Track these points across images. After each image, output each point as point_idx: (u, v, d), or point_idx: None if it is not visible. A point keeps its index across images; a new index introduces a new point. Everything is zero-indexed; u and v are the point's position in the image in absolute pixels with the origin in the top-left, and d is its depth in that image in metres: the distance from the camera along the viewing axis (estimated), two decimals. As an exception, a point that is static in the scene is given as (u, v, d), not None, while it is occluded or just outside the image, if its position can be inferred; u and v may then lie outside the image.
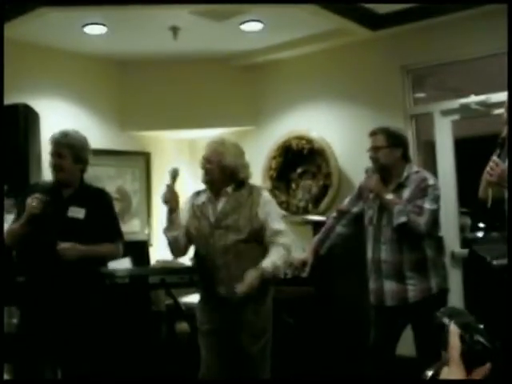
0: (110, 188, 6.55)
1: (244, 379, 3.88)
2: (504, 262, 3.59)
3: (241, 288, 3.71)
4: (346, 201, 4.48)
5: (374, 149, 4.14)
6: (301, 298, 5.27)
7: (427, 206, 3.98)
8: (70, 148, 3.89)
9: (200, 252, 3.96)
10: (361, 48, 5.99)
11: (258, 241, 3.87)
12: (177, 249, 4.01)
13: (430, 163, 5.77)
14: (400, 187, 4.10)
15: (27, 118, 5.13)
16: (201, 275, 4.03)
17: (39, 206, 3.71)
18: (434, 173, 5.63)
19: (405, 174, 4.11)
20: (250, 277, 3.71)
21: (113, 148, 6.60)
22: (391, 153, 4.10)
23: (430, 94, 6.49)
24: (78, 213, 3.88)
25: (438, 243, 4.16)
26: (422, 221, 3.95)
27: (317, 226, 5.25)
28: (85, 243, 3.80)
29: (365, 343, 4.33)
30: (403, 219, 3.93)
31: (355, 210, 4.35)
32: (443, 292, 4.11)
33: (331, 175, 6.15)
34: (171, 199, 3.86)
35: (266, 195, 4.06)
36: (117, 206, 6.49)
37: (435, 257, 4.09)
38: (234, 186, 3.95)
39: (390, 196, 4.03)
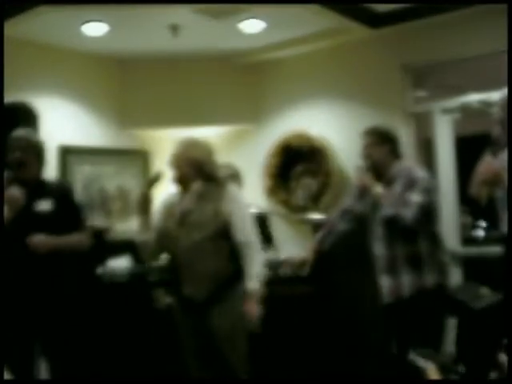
0: (110, 186, 6.55)
1: (244, 379, 3.87)
2: (484, 304, 3.61)
3: (251, 325, 3.73)
4: (349, 199, 4.52)
5: (365, 146, 4.28)
6: (300, 297, 5.26)
7: (414, 198, 4.03)
8: (33, 146, 4.01)
9: (168, 251, 3.98)
10: (361, 47, 5.97)
11: (224, 237, 3.82)
12: (146, 253, 4.06)
13: (431, 162, 5.76)
14: (390, 182, 4.19)
15: (26, 117, 5.14)
16: (171, 275, 4.02)
17: (22, 197, 3.74)
18: (435, 171, 5.63)
19: (394, 169, 4.22)
20: (252, 309, 3.71)
21: (112, 146, 6.58)
22: (380, 149, 4.23)
23: (430, 93, 6.47)
24: (45, 205, 3.92)
25: (433, 237, 4.17)
26: (408, 213, 3.99)
27: (316, 224, 5.25)
28: (54, 235, 3.87)
29: (365, 342, 4.33)
30: (390, 212, 3.97)
31: (357, 207, 4.38)
32: (440, 287, 4.11)
33: (331, 174, 6.13)
34: (141, 201, 3.94)
35: (233, 190, 4.02)
36: (116, 205, 6.57)
37: (430, 251, 4.10)
38: (201, 183, 3.92)
39: (379, 190, 4.07)
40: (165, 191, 4.13)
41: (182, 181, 3.93)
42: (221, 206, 3.82)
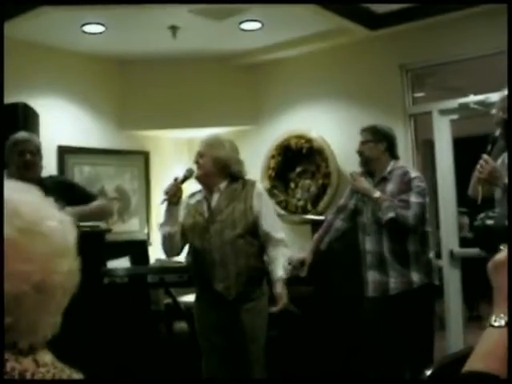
0: (109, 187, 6.57)
1: (243, 379, 3.88)
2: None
3: (277, 308, 3.78)
4: (344, 196, 4.55)
5: (361, 143, 4.33)
6: (299, 297, 5.27)
7: (413, 199, 4.08)
8: (38, 148, 4.14)
9: (196, 248, 3.95)
10: (360, 47, 5.99)
11: (254, 235, 3.88)
12: (171, 246, 3.99)
13: (429, 162, 5.78)
14: (383, 181, 4.24)
15: (26, 117, 5.14)
16: (197, 272, 4.02)
17: None
18: (433, 172, 5.66)
19: (388, 168, 4.26)
20: (283, 295, 3.79)
21: (112, 147, 6.60)
22: (375, 147, 4.27)
23: (429, 94, 6.50)
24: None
25: (423, 238, 4.20)
26: (409, 214, 4.04)
27: (315, 225, 5.25)
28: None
29: (364, 342, 4.34)
30: (391, 215, 4.03)
31: (351, 204, 4.41)
32: (426, 287, 4.14)
33: (330, 175, 6.15)
34: (172, 193, 3.84)
35: (259, 187, 4.08)
36: (116, 206, 6.58)
37: (418, 251, 4.14)
38: (227, 182, 3.95)
39: (377, 194, 4.13)
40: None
41: (208, 179, 3.94)
42: (250, 204, 3.87)
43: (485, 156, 3.53)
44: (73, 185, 4.42)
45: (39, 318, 1.09)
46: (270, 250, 3.87)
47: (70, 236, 1.14)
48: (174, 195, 3.85)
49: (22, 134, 4.14)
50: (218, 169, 3.92)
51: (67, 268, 1.10)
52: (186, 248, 4.13)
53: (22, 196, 1.11)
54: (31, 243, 1.06)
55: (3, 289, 1.02)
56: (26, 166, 4.00)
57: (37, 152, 4.09)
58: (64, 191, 4.07)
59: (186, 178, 3.93)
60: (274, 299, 3.84)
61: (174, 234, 3.91)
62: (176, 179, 3.89)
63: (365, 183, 4.25)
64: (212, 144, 3.96)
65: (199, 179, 3.97)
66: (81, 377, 1.20)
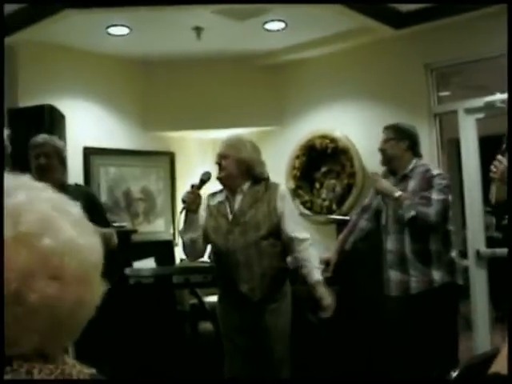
0: (135, 188, 6.60)
1: (268, 380, 3.88)
2: None
3: (327, 314, 3.80)
4: (368, 196, 4.54)
5: (383, 141, 4.32)
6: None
7: (435, 196, 4.05)
8: (57, 151, 4.10)
9: (219, 250, 3.93)
10: (384, 47, 5.96)
11: (277, 236, 3.86)
12: (193, 251, 3.97)
13: (455, 162, 5.74)
14: (404, 178, 4.21)
15: (52, 119, 5.18)
16: (220, 274, 4.02)
17: None
18: (459, 171, 5.61)
19: (410, 166, 4.23)
20: (326, 296, 3.80)
21: (137, 148, 6.64)
22: (397, 144, 4.25)
23: (454, 93, 6.45)
24: None
25: (445, 236, 4.16)
26: (431, 211, 4.01)
27: (340, 225, 5.24)
28: None
29: (388, 342, 4.32)
30: (412, 213, 4.00)
31: (375, 204, 4.40)
32: (448, 286, 4.10)
33: (355, 174, 6.13)
34: (191, 201, 3.79)
35: (283, 189, 4.05)
36: (141, 206, 6.62)
37: (440, 250, 4.10)
38: (250, 183, 3.93)
39: (398, 193, 4.10)
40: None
41: (231, 181, 3.92)
42: (274, 205, 3.86)
43: (499, 156, 3.51)
44: (95, 201, 4.36)
45: (16, 330, 1.06)
46: (298, 251, 3.84)
47: (68, 259, 1.05)
48: (192, 203, 3.80)
49: (38, 137, 4.13)
50: (242, 170, 3.90)
51: (51, 291, 1.03)
52: (209, 248, 4.14)
53: (33, 204, 1.07)
54: (16, 252, 1.04)
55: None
56: (40, 169, 3.99)
57: (54, 155, 4.06)
58: (86, 206, 4.07)
59: (203, 183, 3.87)
60: (318, 304, 3.82)
61: (197, 240, 3.88)
62: (193, 186, 3.84)
63: (385, 183, 4.23)
64: (235, 145, 3.94)
65: (222, 181, 3.94)
66: (93, 372, 1.19)
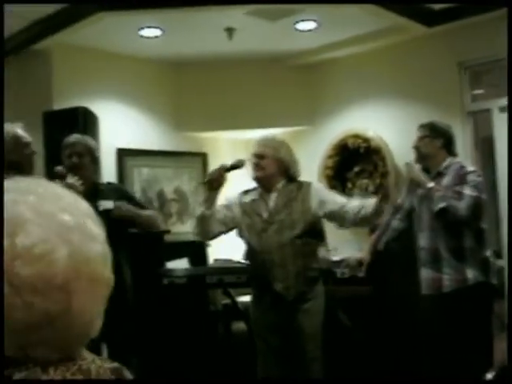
0: (168, 189, 6.64)
1: (301, 379, 3.88)
2: None
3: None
4: (401, 196, 4.51)
5: (417, 139, 4.28)
6: (358, 297, 5.25)
7: (467, 191, 4.00)
8: (88, 150, 4.15)
9: (253, 249, 3.95)
10: (417, 45, 5.91)
11: (312, 235, 3.88)
12: (202, 228, 3.95)
13: (489, 160, 5.68)
14: (439, 176, 4.17)
15: (86, 121, 5.23)
16: (254, 272, 4.03)
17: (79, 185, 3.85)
18: (493, 170, 5.55)
19: (444, 164, 4.19)
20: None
21: (170, 149, 6.67)
22: (431, 142, 4.22)
23: (488, 91, 6.38)
24: (108, 204, 4.05)
25: (479, 235, 4.12)
26: (461, 205, 3.97)
27: (373, 225, 5.22)
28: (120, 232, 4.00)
29: (421, 341, 4.29)
30: (442, 205, 3.97)
31: (407, 203, 4.37)
32: (482, 285, 4.06)
33: (388, 174, 6.09)
34: (215, 177, 3.82)
35: (315, 184, 4.07)
36: (174, 207, 6.65)
37: (474, 248, 4.05)
38: (284, 182, 3.94)
39: (431, 184, 4.07)
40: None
41: (269, 180, 3.94)
42: (308, 204, 3.87)
43: None
44: (127, 192, 4.47)
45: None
46: (345, 213, 3.85)
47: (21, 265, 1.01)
48: (215, 180, 3.82)
49: (71, 137, 4.18)
50: (279, 170, 3.93)
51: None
52: (244, 247, 4.15)
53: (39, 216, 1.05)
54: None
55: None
56: (72, 168, 4.04)
57: (86, 153, 4.12)
58: (119, 196, 4.15)
59: (233, 167, 3.89)
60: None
61: (208, 217, 3.87)
62: (222, 166, 3.88)
63: (419, 173, 4.22)
64: (273, 145, 3.96)
65: (259, 180, 3.97)
66: (115, 366, 1.19)
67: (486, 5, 5.10)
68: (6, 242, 1.01)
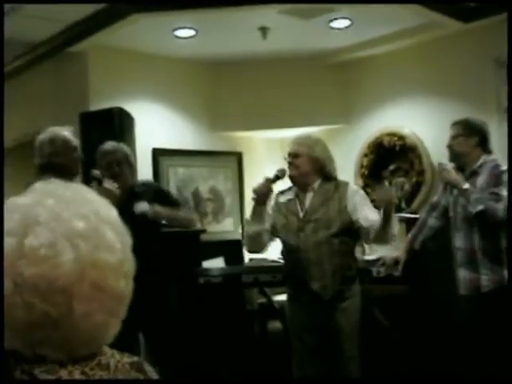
0: (203, 188, 6.67)
1: (338, 379, 3.87)
2: None
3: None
4: (437, 193, 4.47)
5: (451, 137, 4.20)
6: (394, 296, 5.22)
7: (505, 192, 3.91)
8: (127, 158, 4.25)
9: (289, 248, 3.94)
10: (452, 41, 5.85)
11: (348, 234, 3.86)
12: (255, 244, 3.98)
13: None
14: (473, 175, 4.10)
15: (122, 122, 5.27)
16: (291, 271, 4.02)
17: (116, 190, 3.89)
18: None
19: (479, 162, 4.11)
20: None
21: (205, 149, 6.70)
22: (465, 141, 4.14)
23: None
24: (143, 205, 4.11)
25: None
26: (500, 207, 3.89)
27: (410, 223, 5.18)
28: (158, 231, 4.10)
29: (459, 342, 4.25)
30: (480, 207, 3.90)
31: (444, 201, 4.32)
32: None
33: (424, 172, 6.05)
34: (262, 192, 3.80)
35: (352, 186, 4.05)
36: (210, 206, 6.68)
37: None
38: (321, 181, 3.93)
39: (466, 185, 4.01)
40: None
41: (304, 179, 3.93)
42: (345, 203, 3.85)
43: None
44: (163, 190, 4.53)
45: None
46: (371, 232, 3.78)
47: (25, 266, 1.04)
48: (263, 195, 3.82)
49: (107, 145, 4.25)
50: (314, 168, 3.90)
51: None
52: (280, 246, 4.14)
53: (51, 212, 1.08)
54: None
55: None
56: (112, 177, 4.11)
57: (124, 161, 4.20)
58: (154, 197, 4.19)
59: (277, 178, 3.90)
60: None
61: (261, 233, 3.90)
62: (267, 179, 3.87)
63: (453, 174, 4.13)
64: (308, 144, 3.94)
65: (294, 179, 3.95)
66: (134, 360, 1.20)
67: (486, 5, 5.05)
68: (14, 241, 1.04)
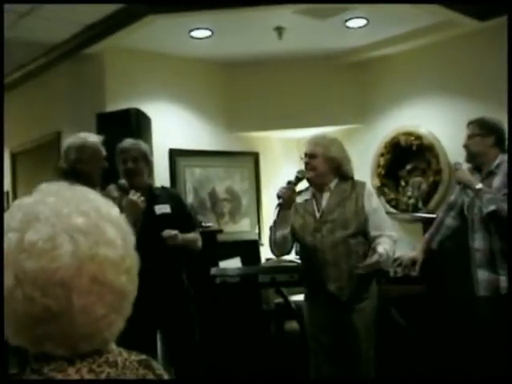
0: (220, 188, 6.68)
1: (354, 379, 3.86)
2: None
3: (363, 267, 3.69)
4: (454, 193, 4.44)
5: (467, 137, 4.15)
6: (411, 296, 5.20)
7: None
8: (144, 155, 4.22)
9: (306, 248, 3.93)
10: (469, 40, 5.81)
11: (365, 235, 3.85)
12: (283, 248, 3.96)
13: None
14: (490, 175, 4.05)
15: (139, 122, 5.29)
16: (308, 272, 4.01)
17: (141, 202, 3.89)
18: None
19: (496, 161, 4.05)
20: (373, 258, 3.67)
21: (221, 149, 6.70)
22: (482, 141, 4.09)
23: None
24: (165, 209, 4.14)
25: None
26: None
27: (427, 223, 5.16)
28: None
29: (477, 343, 4.22)
30: (492, 207, 3.86)
31: (461, 201, 4.28)
32: None
33: (441, 171, 6.02)
34: (287, 196, 3.78)
35: (369, 188, 4.04)
36: (227, 206, 6.69)
37: None
38: (337, 181, 3.92)
39: (479, 185, 3.97)
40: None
41: (321, 179, 3.92)
42: (362, 204, 3.85)
43: None
44: (181, 200, 4.50)
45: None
46: (378, 240, 3.80)
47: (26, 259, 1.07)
48: (289, 199, 3.80)
49: (125, 142, 4.25)
50: (331, 169, 3.90)
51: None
52: (297, 247, 4.14)
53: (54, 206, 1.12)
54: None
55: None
56: (128, 173, 4.13)
57: (141, 158, 4.18)
58: (174, 207, 4.20)
59: (299, 180, 3.89)
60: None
61: (288, 237, 3.89)
62: (290, 182, 3.85)
63: (466, 174, 4.10)
64: (324, 144, 3.94)
65: (311, 180, 3.95)
66: (142, 358, 1.20)
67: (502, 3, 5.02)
68: (15, 237, 1.07)
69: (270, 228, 4.02)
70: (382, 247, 3.73)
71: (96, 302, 1.09)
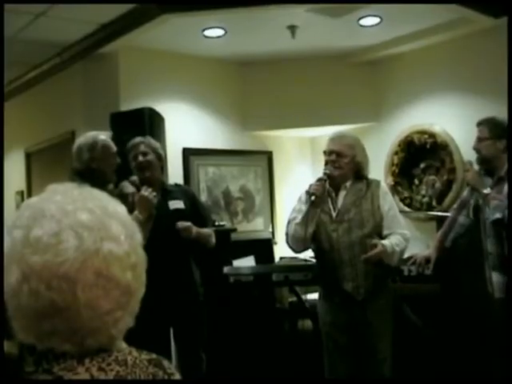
0: (233, 187, 6.68)
1: (371, 379, 3.85)
2: None
3: (365, 257, 3.69)
4: (466, 190, 4.39)
5: (477, 139, 4.03)
6: (425, 295, 5.18)
7: None
8: (154, 151, 4.23)
9: (322, 248, 3.92)
10: (483, 37, 5.77)
11: (380, 235, 3.83)
12: (309, 245, 3.94)
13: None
14: (501, 181, 3.93)
15: (152, 121, 5.30)
16: (323, 271, 4.00)
17: (153, 198, 3.90)
18: None
19: (507, 167, 3.91)
20: (376, 250, 3.67)
21: (235, 148, 6.71)
22: (494, 144, 3.96)
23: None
24: (179, 204, 4.17)
25: None
26: None
27: (441, 221, 5.13)
28: None
29: (492, 344, 4.20)
30: (498, 215, 3.77)
31: (473, 199, 4.22)
32: None
33: (455, 170, 5.99)
34: (320, 193, 3.73)
35: (384, 186, 4.03)
36: (240, 205, 6.69)
37: None
38: (353, 180, 3.91)
39: (487, 191, 3.87)
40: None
41: (341, 179, 3.90)
42: (378, 203, 3.85)
43: None
44: (194, 197, 4.50)
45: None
46: (389, 236, 3.81)
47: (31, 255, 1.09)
48: (322, 195, 3.77)
49: (134, 140, 4.28)
50: (353, 170, 3.89)
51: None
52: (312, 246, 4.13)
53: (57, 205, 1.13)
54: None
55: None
56: (139, 167, 4.16)
57: (151, 152, 4.20)
58: (188, 203, 4.21)
59: (328, 177, 3.86)
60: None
61: (310, 236, 3.86)
62: (321, 179, 3.80)
63: (476, 176, 4.01)
64: (351, 144, 3.91)
65: (334, 179, 3.88)
66: (152, 357, 1.21)
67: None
68: (21, 233, 1.09)
69: (288, 222, 3.96)
70: (388, 241, 3.72)
71: (101, 296, 1.10)
